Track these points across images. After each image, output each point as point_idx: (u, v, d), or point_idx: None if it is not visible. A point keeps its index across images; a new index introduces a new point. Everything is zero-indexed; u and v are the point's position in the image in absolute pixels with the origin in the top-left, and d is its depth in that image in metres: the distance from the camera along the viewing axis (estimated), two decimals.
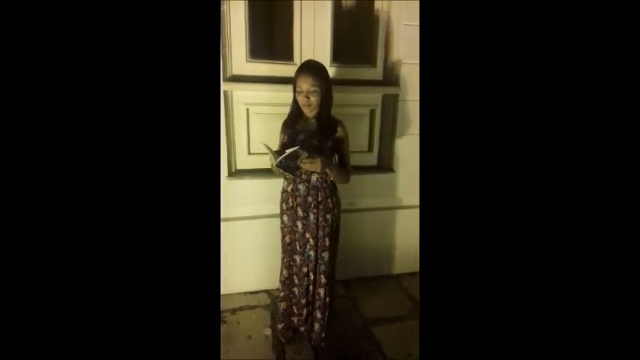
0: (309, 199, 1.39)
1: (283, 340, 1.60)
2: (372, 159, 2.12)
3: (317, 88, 1.31)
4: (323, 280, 1.46)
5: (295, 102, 1.38)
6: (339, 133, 1.40)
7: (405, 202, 2.12)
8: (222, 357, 1.52)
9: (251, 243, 1.93)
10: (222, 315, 1.80)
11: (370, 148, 2.10)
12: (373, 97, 2.02)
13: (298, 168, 1.28)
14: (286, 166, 1.23)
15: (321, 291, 1.47)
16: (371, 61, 1.99)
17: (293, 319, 1.53)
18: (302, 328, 1.54)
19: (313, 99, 1.32)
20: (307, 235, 1.42)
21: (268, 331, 1.70)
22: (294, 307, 1.52)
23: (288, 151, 1.20)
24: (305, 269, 1.46)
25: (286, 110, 1.44)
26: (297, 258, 1.46)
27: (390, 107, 2.02)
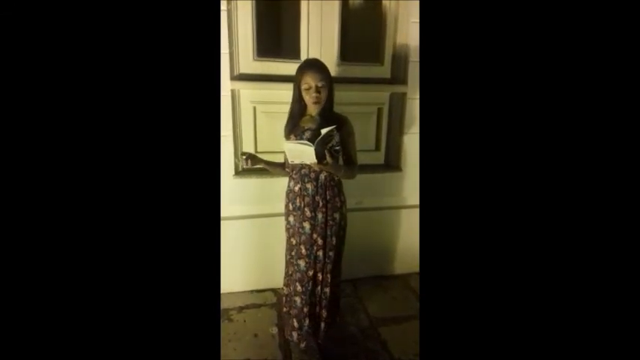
0: (317, 198, 1.39)
1: (289, 339, 1.59)
2: (379, 158, 2.11)
3: (324, 82, 1.31)
4: (330, 279, 1.45)
5: (297, 102, 1.37)
6: (346, 128, 1.39)
7: (412, 201, 2.11)
8: (229, 355, 1.53)
9: (257, 241, 1.93)
10: (229, 313, 1.81)
11: (377, 147, 2.09)
12: (381, 96, 2.00)
13: (324, 156, 1.22)
14: (320, 150, 1.19)
15: (328, 290, 1.46)
16: (379, 58, 1.98)
17: (292, 320, 1.52)
18: (307, 327, 1.53)
19: (323, 94, 1.32)
20: (315, 235, 1.41)
21: (275, 330, 1.70)
22: (295, 309, 1.51)
23: (324, 131, 1.17)
24: (311, 272, 1.44)
25: None
26: (302, 262, 1.44)
27: (398, 105, 2.00)
